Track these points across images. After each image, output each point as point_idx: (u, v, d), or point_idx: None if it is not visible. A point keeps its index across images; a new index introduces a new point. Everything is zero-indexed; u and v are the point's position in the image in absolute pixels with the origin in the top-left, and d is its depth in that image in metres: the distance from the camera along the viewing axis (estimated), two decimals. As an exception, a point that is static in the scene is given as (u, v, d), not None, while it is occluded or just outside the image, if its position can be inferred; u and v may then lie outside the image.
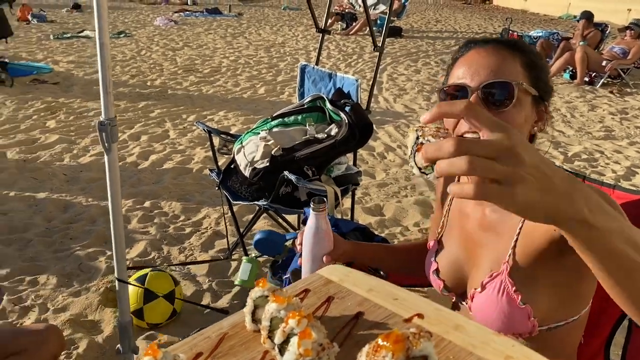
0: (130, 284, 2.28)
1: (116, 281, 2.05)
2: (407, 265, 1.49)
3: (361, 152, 4.55)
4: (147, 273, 2.48)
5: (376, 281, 1.02)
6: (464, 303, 1.20)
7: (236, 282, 2.13)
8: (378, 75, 3.97)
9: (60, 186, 3.95)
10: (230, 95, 6.79)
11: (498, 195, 0.59)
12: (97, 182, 4.02)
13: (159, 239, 3.21)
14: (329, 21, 10.57)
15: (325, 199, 1.77)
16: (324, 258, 1.25)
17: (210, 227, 3.38)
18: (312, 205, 1.20)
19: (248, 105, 6.31)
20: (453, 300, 1.25)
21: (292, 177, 2.38)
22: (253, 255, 2.71)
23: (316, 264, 1.25)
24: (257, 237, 1.64)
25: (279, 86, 7.34)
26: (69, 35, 11.54)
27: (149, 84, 7.30)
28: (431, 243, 1.34)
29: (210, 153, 3.20)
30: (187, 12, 16.92)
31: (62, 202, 3.68)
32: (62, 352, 1.95)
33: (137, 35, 11.89)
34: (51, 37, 11.33)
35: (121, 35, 11.68)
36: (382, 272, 1.50)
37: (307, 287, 1.01)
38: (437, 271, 1.27)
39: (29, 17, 13.32)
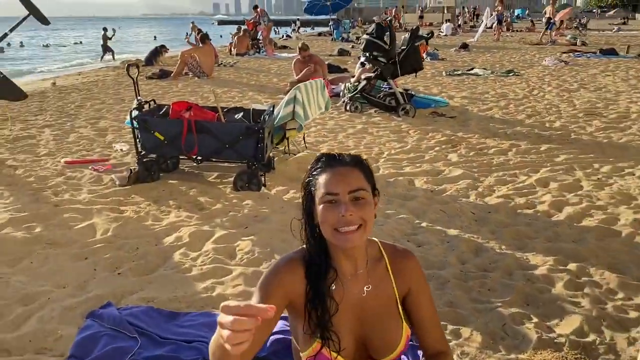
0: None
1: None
2: None
3: None
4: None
5: None
6: None
7: None
8: None
9: (469, 225, 3.72)
10: (651, 147, 5.65)
11: None
12: (508, 227, 3.65)
13: (596, 316, 2.58)
14: None
15: None
16: None
17: None
18: None
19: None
20: None
21: None
22: None
23: None
24: None
25: None
26: (459, 72, 11.93)
27: (547, 125, 6.73)
28: None
29: None
30: (577, 53, 15.72)
31: (473, 243, 3.42)
32: None
33: (526, 74, 11.50)
34: (443, 73, 11.91)
35: (510, 74, 11.47)
36: None
37: None
38: None
39: (423, 55, 14.43)
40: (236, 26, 21.17)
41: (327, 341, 1.47)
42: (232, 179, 4.50)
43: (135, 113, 4.42)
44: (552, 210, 3.95)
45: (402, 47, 7.19)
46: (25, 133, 6.61)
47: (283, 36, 28.41)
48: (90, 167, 5.02)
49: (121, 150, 5.70)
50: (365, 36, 7.34)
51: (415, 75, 8.15)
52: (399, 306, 1.60)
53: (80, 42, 36.53)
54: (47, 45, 32.86)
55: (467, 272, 3.05)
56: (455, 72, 11.85)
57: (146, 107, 4.62)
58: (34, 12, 4.26)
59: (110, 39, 21.22)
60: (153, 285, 2.91)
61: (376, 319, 1.57)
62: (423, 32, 8.98)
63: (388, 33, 6.98)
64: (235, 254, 3.29)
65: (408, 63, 7.20)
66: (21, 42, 31.69)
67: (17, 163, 5.27)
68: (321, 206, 1.44)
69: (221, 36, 32.48)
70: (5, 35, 4.29)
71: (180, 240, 3.47)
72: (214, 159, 4.58)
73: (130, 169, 4.63)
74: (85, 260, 3.20)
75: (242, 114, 4.75)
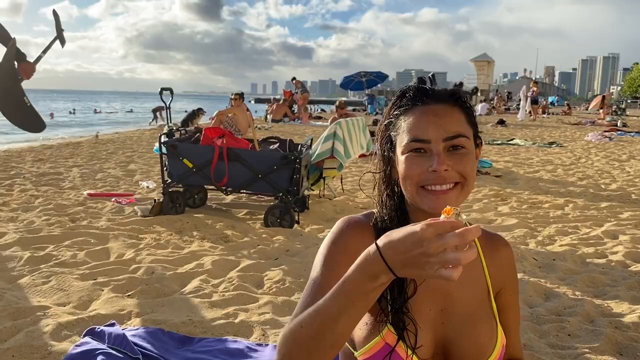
0: None
1: None
2: None
3: None
4: None
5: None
6: None
7: None
8: None
9: (533, 270, 3.21)
10: None
11: None
12: (579, 274, 3.13)
13: None
14: None
15: None
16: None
17: None
18: None
19: None
20: None
21: None
22: None
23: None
24: None
25: None
26: (499, 142, 11.60)
27: (602, 186, 6.23)
28: None
29: None
30: (620, 132, 15.30)
31: (541, 287, 2.91)
32: None
33: (569, 146, 11.08)
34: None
35: (553, 145, 11.08)
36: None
37: None
38: None
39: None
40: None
41: (400, 331, 1.03)
42: (262, 216, 4.12)
43: (164, 139, 4.16)
44: (628, 261, 3.42)
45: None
46: (53, 170, 6.43)
47: (318, 110, 28.88)
48: (113, 200, 4.72)
49: (147, 187, 5.42)
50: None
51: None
52: (493, 304, 1.16)
53: (131, 110, 37.98)
54: (98, 112, 34.11)
55: (538, 315, 2.53)
56: (495, 142, 11.52)
57: (177, 134, 4.37)
58: (59, 31, 4.16)
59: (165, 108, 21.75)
60: (166, 308, 2.48)
61: (465, 317, 1.12)
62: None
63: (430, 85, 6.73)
64: (263, 283, 2.85)
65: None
66: (72, 109, 33.07)
67: (38, 193, 5.02)
68: (404, 156, 1.06)
69: (256, 111, 33.38)
70: (40, 58, 4.17)
71: (201, 267, 3.06)
72: (243, 191, 4.23)
73: (155, 200, 4.31)
74: (93, 281, 2.80)
75: (278, 144, 4.44)
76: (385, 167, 1.15)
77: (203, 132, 4.18)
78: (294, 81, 20.30)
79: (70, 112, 31.81)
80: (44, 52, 4.15)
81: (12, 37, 3.85)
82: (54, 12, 4.15)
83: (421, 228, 0.78)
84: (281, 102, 18.54)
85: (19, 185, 5.36)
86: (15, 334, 2.16)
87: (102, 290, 2.68)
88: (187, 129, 4.51)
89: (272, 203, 4.27)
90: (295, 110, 18.95)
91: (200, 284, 2.79)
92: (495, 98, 34.15)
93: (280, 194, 4.03)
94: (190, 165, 4.03)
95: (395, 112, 1.12)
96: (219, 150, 3.98)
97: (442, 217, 0.82)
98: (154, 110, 21.92)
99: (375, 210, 1.17)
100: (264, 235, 3.78)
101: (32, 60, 4.00)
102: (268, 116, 18.27)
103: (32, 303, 2.49)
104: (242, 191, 4.21)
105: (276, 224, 3.98)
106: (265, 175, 3.97)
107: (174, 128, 4.33)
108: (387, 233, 0.84)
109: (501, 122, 17.38)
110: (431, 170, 1.02)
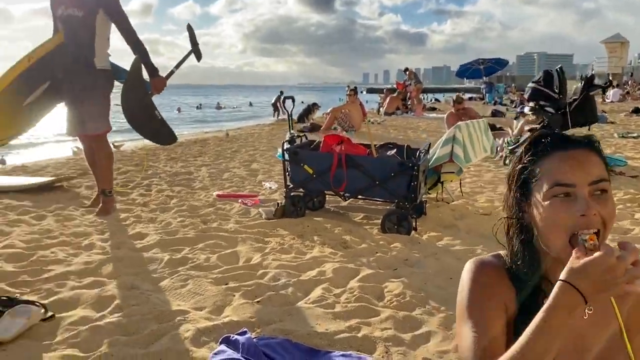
0: None
1: None
2: None
3: None
4: None
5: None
6: None
7: None
8: None
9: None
10: None
11: None
12: None
13: None
14: None
15: None
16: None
17: None
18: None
19: None
20: None
21: None
22: None
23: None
24: None
25: None
26: (635, 134, 10.64)
27: None
28: None
29: None
30: None
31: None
32: None
33: None
34: (615, 135, 10.73)
35: (701, 137, 9.95)
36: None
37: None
38: None
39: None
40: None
41: None
42: (379, 220, 4.16)
43: (286, 146, 4.33)
44: None
45: (574, 97, 6.47)
46: (184, 170, 6.95)
47: (431, 100, 28.30)
48: (239, 201, 5.01)
49: (270, 188, 5.68)
50: (531, 84, 6.74)
51: (589, 129, 7.27)
52: (628, 344, 1.12)
53: (251, 104, 39.96)
54: (222, 107, 36.27)
55: None
56: (630, 135, 10.56)
57: (297, 141, 4.53)
58: (194, 44, 4.43)
59: (280, 101, 22.73)
60: (292, 317, 2.61)
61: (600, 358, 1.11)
62: (599, 81, 8.12)
63: (558, 80, 6.33)
64: (384, 295, 2.89)
65: (581, 114, 6.43)
66: (199, 104, 35.45)
67: (173, 194, 5.46)
68: (547, 202, 1.06)
69: (367, 102, 33.54)
70: (172, 72, 4.51)
71: (323, 274, 3.17)
72: (361, 197, 4.29)
73: (278, 203, 4.52)
74: (225, 286, 3.01)
75: (395, 150, 4.45)
76: (517, 213, 1.15)
77: (323, 140, 4.30)
78: (406, 72, 20.03)
79: (197, 107, 33.99)
80: (177, 67, 4.49)
81: (143, 46, 4.15)
82: (189, 27, 4.45)
83: (611, 255, 0.92)
84: (395, 94, 18.40)
85: (156, 186, 5.87)
86: (160, 337, 2.39)
87: (234, 296, 2.87)
88: (303, 125, 4.67)
89: (388, 207, 4.30)
90: (409, 102, 18.72)
91: (323, 292, 2.89)
92: (630, 82, 31.20)
93: (397, 201, 4.03)
94: (311, 171, 4.17)
95: (531, 158, 1.12)
96: (338, 157, 4.08)
97: (585, 243, 0.99)
98: (275, 104, 22.77)
99: (502, 253, 1.20)
100: (381, 242, 3.81)
101: (164, 76, 4.34)
102: (381, 109, 18.24)
103: (173, 307, 2.73)
104: (359, 197, 4.27)
105: (393, 230, 4.00)
106: (383, 182, 3.99)
107: (295, 134, 4.49)
108: (570, 267, 0.96)
109: (637, 111, 15.90)
110: (580, 215, 1.02)
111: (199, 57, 4.43)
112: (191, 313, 2.64)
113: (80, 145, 6.12)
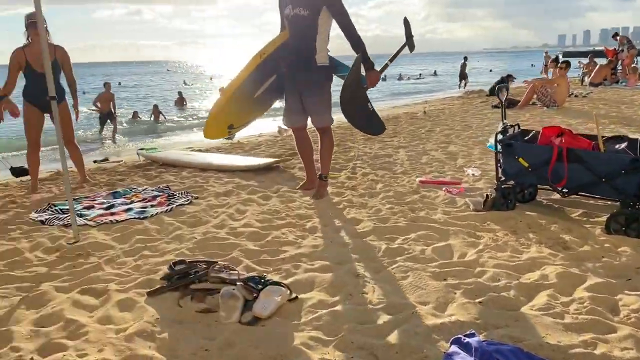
0: None
1: None
2: None
3: None
4: None
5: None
6: None
7: None
8: None
9: None
10: None
11: None
12: None
13: None
14: None
15: None
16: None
17: None
18: None
19: None
20: None
21: None
22: None
23: None
24: None
25: None
26: None
27: None
28: None
29: None
30: None
31: None
32: None
33: None
34: None
35: None
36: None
37: None
38: None
39: None
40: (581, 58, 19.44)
41: None
42: (600, 219, 3.88)
43: (500, 137, 4.23)
44: None
45: None
46: (383, 152, 7.17)
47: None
48: (443, 189, 5.05)
49: (473, 175, 5.60)
50: None
51: None
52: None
53: (435, 73, 39.41)
54: (404, 78, 36.44)
55: None
56: None
57: (510, 131, 4.39)
58: (409, 37, 4.49)
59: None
60: (519, 323, 2.61)
61: None
62: None
63: None
64: (618, 309, 2.73)
65: None
66: (399, 75, 36.23)
67: (377, 178, 5.70)
68: None
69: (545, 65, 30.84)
70: (386, 65, 4.65)
71: (545, 279, 3.08)
72: (580, 194, 4.03)
73: (486, 194, 4.46)
74: (445, 282, 3.11)
75: (625, 144, 4.06)
76: None
77: (541, 132, 4.10)
78: (617, 38, 17.83)
79: (397, 79, 34.49)
80: (391, 59, 4.62)
81: (362, 43, 4.34)
82: (405, 20, 4.54)
83: None
84: (606, 62, 16.54)
85: (360, 169, 6.17)
86: (392, 330, 2.57)
87: (455, 294, 2.95)
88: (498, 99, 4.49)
89: (609, 203, 3.98)
90: (619, 70, 16.71)
91: (549, 299, 2.82)
92: None
93: (626, 200, 3.71)
94: (526, 164, 4.03)
95: None
96: (558, 151, 3.87)
97: None
98: (462, 76, 22.19)
99: None
100: (606, 245, 3.56)
101: (378, 69, 4.50)
102: (585, 78, 16.58)
103: (398, 299, 2.90)
104: (579, 193, 4.01)
105: (621, 232, 3.70)
106: (610, 180, 3.70)
107: (508, 125, 4.35)
108: None
109: None
110: None
111: (412, 48, 4.51)
112: (417, 307, 2.78)
113: (282, 124, 6.70)
